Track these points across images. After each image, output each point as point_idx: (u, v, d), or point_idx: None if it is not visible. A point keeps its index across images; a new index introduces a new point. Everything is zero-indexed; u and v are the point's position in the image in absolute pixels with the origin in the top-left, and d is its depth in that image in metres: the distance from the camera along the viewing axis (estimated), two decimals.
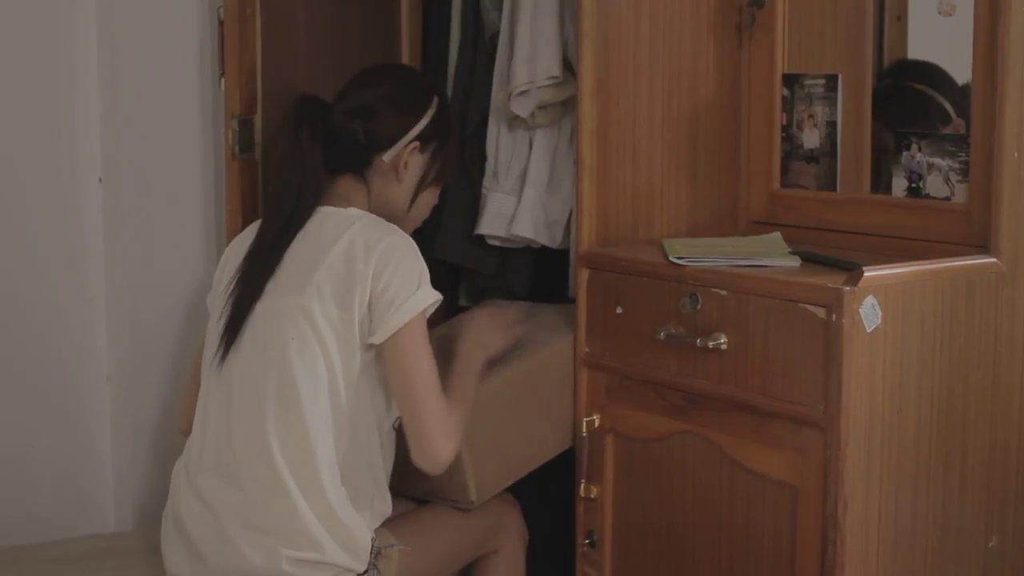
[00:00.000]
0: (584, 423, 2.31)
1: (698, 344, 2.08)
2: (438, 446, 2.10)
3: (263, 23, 2.61)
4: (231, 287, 2.18)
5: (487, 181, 2.71)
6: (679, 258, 2.15)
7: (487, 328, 2.34)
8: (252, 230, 2.27)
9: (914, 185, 2.23)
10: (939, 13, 2.24)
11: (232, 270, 2.21)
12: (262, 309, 2.15)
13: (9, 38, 2.80)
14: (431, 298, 2.14)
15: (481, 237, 2.71)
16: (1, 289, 2.83)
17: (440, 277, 2.89)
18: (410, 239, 2.19)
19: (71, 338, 2.93)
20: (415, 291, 2.11)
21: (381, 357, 2.13)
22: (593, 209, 2.33)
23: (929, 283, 1.98)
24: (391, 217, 2.26)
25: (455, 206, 2.79)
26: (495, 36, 2.72)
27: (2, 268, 2.83)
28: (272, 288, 2.16)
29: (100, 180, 2.93)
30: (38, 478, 2.89)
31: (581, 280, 2.33)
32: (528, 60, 2.54)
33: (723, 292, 2.06)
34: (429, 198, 2.37)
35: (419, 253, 2.17)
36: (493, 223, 2.68)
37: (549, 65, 2.53)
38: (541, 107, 2.59)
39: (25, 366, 2.87)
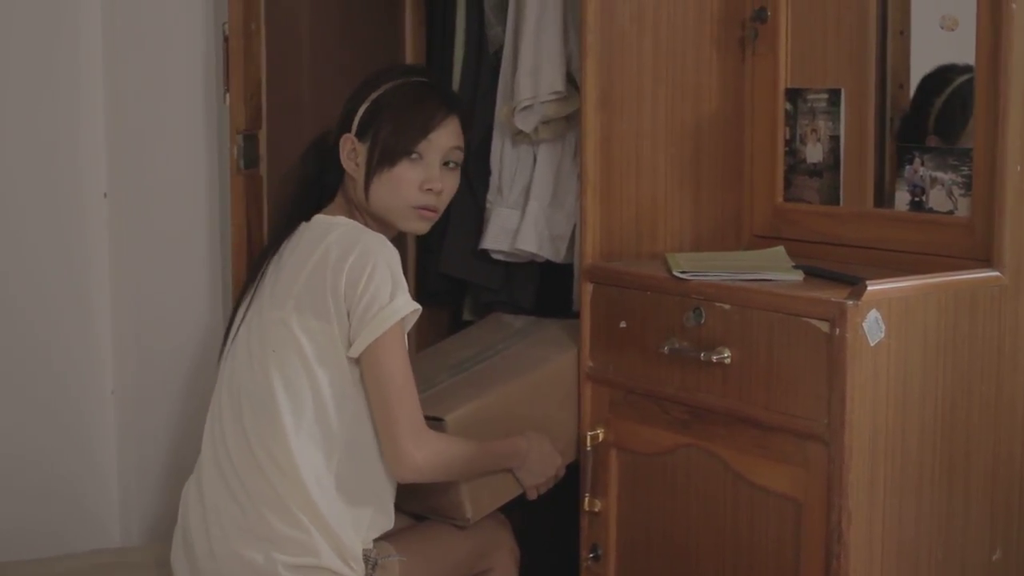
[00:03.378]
0: (588, 437, 2.31)
1: (702, 358, 2.08)
2: (406, 454, 2.10)
3: (268, 38, 2.62)
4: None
5: (491, 195, 2.71)
6: (683, 272, 2.15)
7: (550, 462, 2.32)
8: None
9: (917, 199, 2.24)
10: (941, 28, 2.24)
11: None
12: (249, 321, 2.20)
13: (14, 52, 2.81)
14: (406, 309, 2.11)
15: (486, 251, 2.71)
16: (5, 303, 2.84)
17: (445, 291, 2.91)
18: (385, 245, 2.14)
19: (76, 352, 2.94)
20: (389, 302, 2.09)
21: (360, 367, 2.13)
22: (597, 223, 2.33)
23: (932, 297, 1.98)
24: (371, 215, 2.27)
25: (459, 221, 2.79)
26: (499, 51, 2.72)
27: (6, 282, 2.83)
28: (259, 301, 2.20)
29: (105, 195, 2.94)
30: (43, 492, 2.90)
31: (585, 294, 2.33)
32: (532, 75, 2.55)
33: (727, 306, 2.06)
34: (385, 182, 2.24)
35: (394, 260, 2.13)
36: (497, 237, 2.68)
37: (553, 80, 2.53)
38: (545, 122, 2.59)
39: (30, 380, 2.87)
